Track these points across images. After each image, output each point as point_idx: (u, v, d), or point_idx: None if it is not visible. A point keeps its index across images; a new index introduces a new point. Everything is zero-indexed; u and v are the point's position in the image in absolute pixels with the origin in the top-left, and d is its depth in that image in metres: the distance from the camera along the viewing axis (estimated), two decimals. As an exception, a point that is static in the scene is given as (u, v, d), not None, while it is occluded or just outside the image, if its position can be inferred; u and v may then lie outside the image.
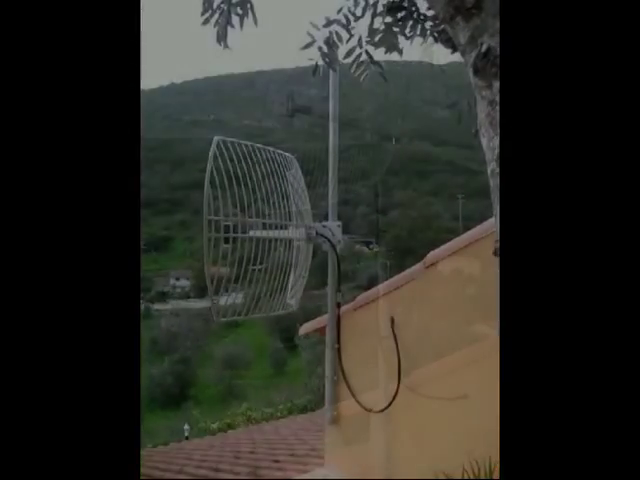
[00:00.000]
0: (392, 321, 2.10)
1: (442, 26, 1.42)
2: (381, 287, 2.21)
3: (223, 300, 2.05)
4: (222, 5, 1.55)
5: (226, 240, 2.00)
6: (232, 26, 1.56)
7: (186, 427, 15.33)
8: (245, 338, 34.99)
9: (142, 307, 50.27)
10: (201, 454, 5.92)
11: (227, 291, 2.00)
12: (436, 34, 1.57)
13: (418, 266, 2.07)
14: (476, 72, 1.27)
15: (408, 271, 2.12)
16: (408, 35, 1.57)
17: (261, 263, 2.17)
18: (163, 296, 54.25)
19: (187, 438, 13.01)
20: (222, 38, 1.58)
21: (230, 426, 11.83)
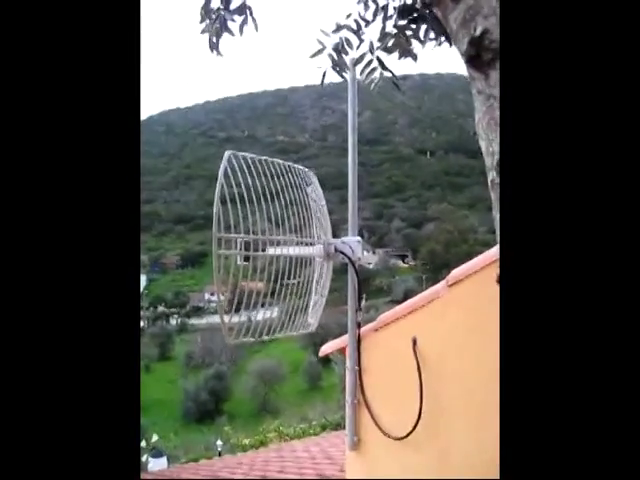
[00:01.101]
0: (414, 342, 1.99)
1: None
2: (404, 306, 2.10)
3: (237, 318, 1.97)
4: (219, 11, 1.49)
5: (246, 258, 1.93)
6: (231, 33, 1.50)
7: (218, 443, 15.28)
8: (279, 353, 35.05)
9: (178, 322, 51.04)
10: (229, 472, 5.84)
11: (238, 311, 1.91)
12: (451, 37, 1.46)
13: (441, 284, 1.96)
14: (470, 61, 1.12)
15: (431, 290, 2.01)
16: (422, 39, 1.47)
17: (276, 281, 2.09)
18: (198, 311, 54.88)
19: (220, 454, 12.97)
20: (214, 46, 1.52)
21: (262, 443, 11.75)
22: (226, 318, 1.84)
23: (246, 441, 12.72)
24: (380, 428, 2.08)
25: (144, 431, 18.38)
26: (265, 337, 1.99)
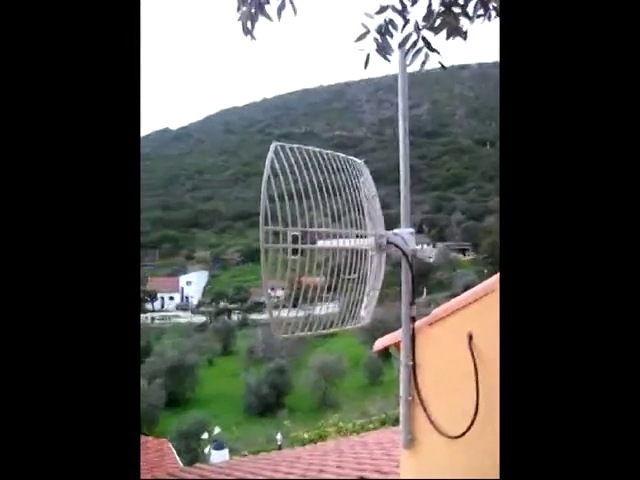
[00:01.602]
0: (470, 337, 1.91)
1: None
2: (459, 300, 2.01)
3: (287, 313, 1.94)
4: (253, -4, 1.45)
5: (294, 251, 1.89)
6: (268, 17, 1.46)
7: (279, 437, 15.43)
8: (339, 347, 35.07)
9: (239, 317, 51.88)
10: (287, 466, 5.86)
11: (294, 306, 1.88)
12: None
13: (498, 276, 1.87)
14: None
15: (488, 281, 1.92)
16: (470, 15, 1.39)
17: (329, 275, 2.05)
18: (259, 306, 55.53)
19: (280, 448, 13.09)
20: (249, 31, 1.48)
21: (321, 437, 11.78)
22: (279, 312, 1.81)
23: (305, 435, 12.80)
24: (435, 426, 2.01)
25: (207, 423, 18.78)
26: (317, 331, 1.95)
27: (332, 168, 2.06)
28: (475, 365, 1.87)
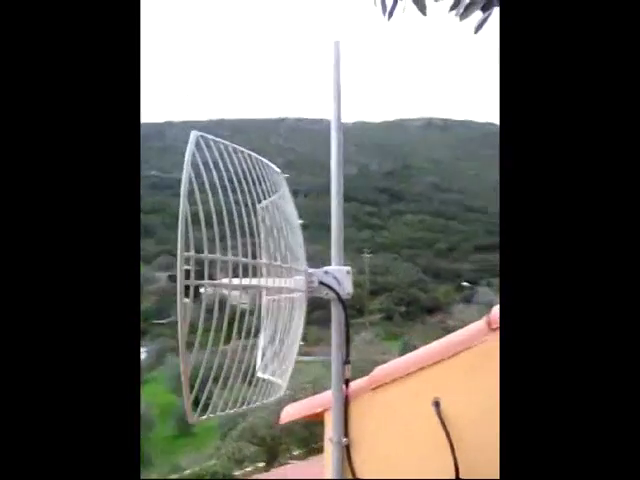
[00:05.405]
0: (437, 405, 1.48)
1: None
2: (419, 355, 1.58)
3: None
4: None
5: (187, 292, 1.30)
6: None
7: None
8: (147, 396, 32.87)
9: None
10: None
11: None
12: None
13: (480, 326, 1.47)
14: None
15: (465, 333, 1.51)
16: None
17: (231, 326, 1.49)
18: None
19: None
20: None
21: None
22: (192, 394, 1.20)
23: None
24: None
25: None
26: (237, 409, 1.38)
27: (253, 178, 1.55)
28: (451, 444, 1.43)
